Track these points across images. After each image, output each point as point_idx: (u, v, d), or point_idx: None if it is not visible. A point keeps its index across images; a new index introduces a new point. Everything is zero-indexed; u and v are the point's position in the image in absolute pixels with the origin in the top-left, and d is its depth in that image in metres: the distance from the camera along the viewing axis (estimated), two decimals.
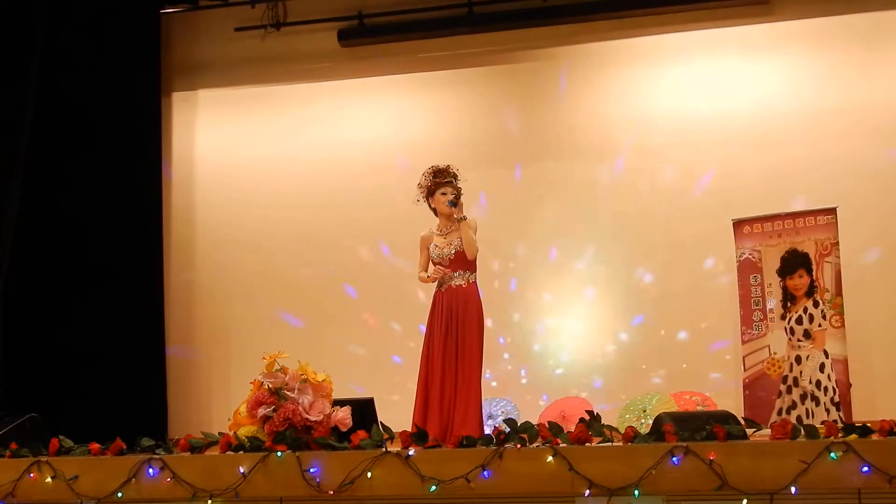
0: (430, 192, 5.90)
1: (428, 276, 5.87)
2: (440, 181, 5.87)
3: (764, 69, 7.52)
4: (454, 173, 5.93)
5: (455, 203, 5.79)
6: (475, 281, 5.83)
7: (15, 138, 7.47)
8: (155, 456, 4.71)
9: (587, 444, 4.39)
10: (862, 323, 6.90)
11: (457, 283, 5.78)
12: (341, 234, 7.92)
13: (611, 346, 7.53)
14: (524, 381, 7.60)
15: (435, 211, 5.94)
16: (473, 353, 5.65)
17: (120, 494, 4.66)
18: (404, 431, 4.68)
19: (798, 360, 6.66)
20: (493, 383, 7.47)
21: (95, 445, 4.90)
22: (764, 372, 6.76)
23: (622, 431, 4.44)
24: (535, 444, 4.40)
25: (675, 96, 7.66)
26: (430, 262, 5.91)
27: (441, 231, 5.87)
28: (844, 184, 7.15)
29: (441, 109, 8.08)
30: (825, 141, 7.31)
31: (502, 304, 7.67)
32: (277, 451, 4.56)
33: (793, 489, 4.04)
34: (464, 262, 5.79)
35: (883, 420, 4.41)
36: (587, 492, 4.19)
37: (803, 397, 6.58)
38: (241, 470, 4.55)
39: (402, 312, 7.66)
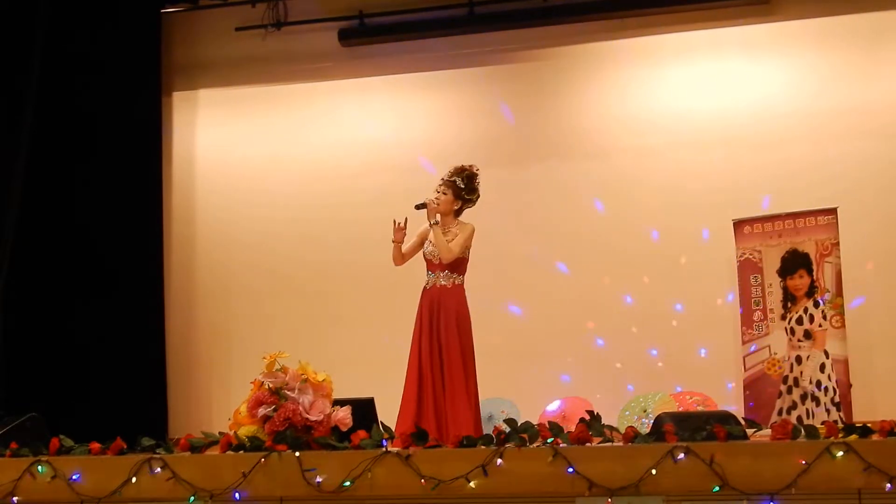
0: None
1: (398, 250, 5.87)
2: (442, 178, 5.89)
3: (764, 69, 7.53)
4: (469, 174, 5.88)
5: (419, 207, 5.80)
6: (461, 283, 5.84)
7: (15, 138, 7.48)
8: (155, 455, 4.70)
9: (587, 444, 4.39)
10: (862, 323, 6.90)
11: (441, 283, 5.80)
12: (342, 234, 7.92)
13: (610, 346, 7.52)
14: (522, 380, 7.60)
15: None
16: (453, 354, 5.64)
17: (120, 494, 4.65)
18: (404, 431, 4.68)
19: (798, 360, 6.66)
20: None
21: (96, 445, 4.89)
22: (764, 372, 6.76)
23: (622, 431, 4.44)
24: (535, 444, 4.40)
25: (675, 96, 7.67)
26: (423, 256, 5.93)
27: (441, 228, 5.86)
28: (844, 184, 7.16)
29: (441, 109, 8.08)
30: (826, 141, 7.31)
31: (501, 303, 7.68)
32: (278, 451, 4.55)
33: (793, 489, 4.04)
34: (452, 263, 5.79)
35: (883, 420, 4.40)
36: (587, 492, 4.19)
37: (804, 397, 6.59)
38: (242, 470, 4.54)
39: (402, 311, 7.64)
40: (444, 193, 5.86)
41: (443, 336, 5.70)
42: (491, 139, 7.88)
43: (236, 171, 8.28)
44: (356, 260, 7.90)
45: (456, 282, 5.82)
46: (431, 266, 5.87)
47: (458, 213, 5.94)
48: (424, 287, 5.87)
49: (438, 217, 5.85)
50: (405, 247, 5.95)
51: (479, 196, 5.96)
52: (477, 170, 5.95)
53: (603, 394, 7.23)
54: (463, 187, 5.87)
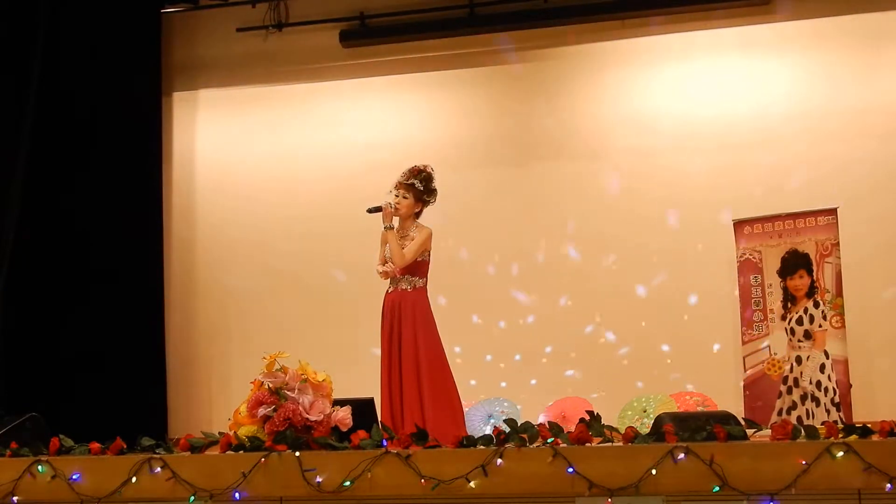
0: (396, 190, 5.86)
1: (382, 272, 5.80)
2: (400, 181, 5.80)
3: (765, 69, 7.52)
4: (425, 175, 5.80)
5: (372, 210, 5.76)
6: (423, 287, 5.76)
7: (15, 138, 7.48)
8: (155, 455, 4.70)
9: (587, 445, 4.39)
10: (862, 323, 6.90)
11: (402, 287, 5.74)
12: (342, 234, 7.91)
13: (610, 346, 7.52)
14: (532, 381, 7.60)
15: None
16: (408, 360, 5.61)
17: (120, 494, 4.66)
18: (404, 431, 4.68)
19: (798, 360, 6.66)
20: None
21: (96, 445, 4.89)
22: (764, 372, 6.76)
23: (622, 432, 4.44)
24: (535, 445, 4.40)
25: (675, 96, 7.66)
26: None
27: (399, 231, 5.81)
28: (844, 184, 7.16)
29: (441, 109, 8.09)
30: (825, 141, 7.31)
31: (501, 302, 7.69)
32: (278, 451, 4.55)
33: (793, 490, 4.04)
34: (412, 266, 5.72)
35: (883, 421, 4.40)
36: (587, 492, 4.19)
37: (804, 398, 6.58)
38: (242, 470, 4.54)
39: None
40: (405, 197, 5.76)
41: (403, 342, 5.65)
42: (491, 139, 7.88)
43: (236, 171, 8.28)
44: (356, 260, 7.87)
45: (417, 285, 5.74)
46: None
47: (417, 215, 5.85)
48: (387, 291, 5.81)
49: (395, 221, 5.77)
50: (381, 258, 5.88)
51: (437, 195, 5.85)
52: (432, 169, 5.83)
53: (602, 392, 7.23)
54: (422, 189, 5.77)
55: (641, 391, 7.11)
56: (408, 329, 5.66)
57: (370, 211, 5.78)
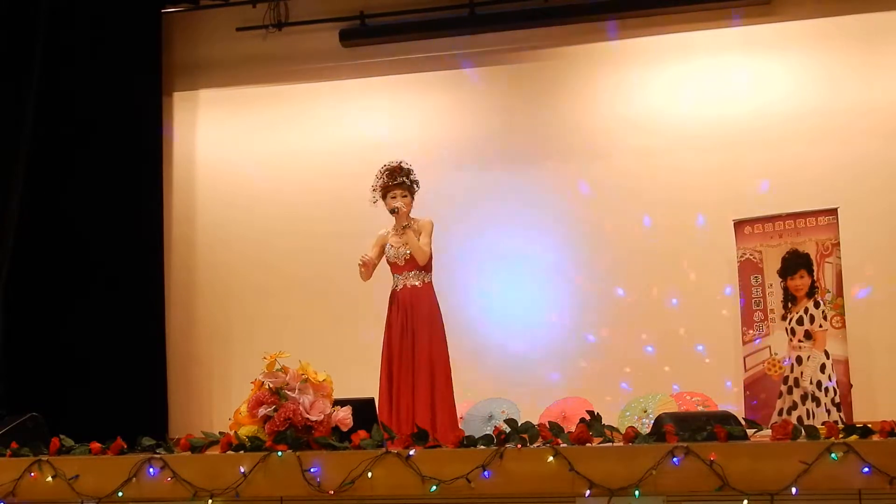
0: (384, 194, 5.93)
1: (361, 263, 5.86)
2: (391, 182, 5.88)
3: (765, 69, 7.53)
4: (408, 169, 5.93)
5: (395, 211, 5.85)
6: (430, 281, 5.89)
7: (15, 138, 7.48)
8: (155, 455, 4.70)
9: (588, 445, 4.39)
10: (863, 324, 6.90)
11: (412, 284, 5.83)
12: (342, 234, 7.91)
13: (610, 346, 7.52)
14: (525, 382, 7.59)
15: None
16: (422, 357, 5.66)
17: (120, 494, 4.65)
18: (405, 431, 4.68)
19: (799, 360, 6.65)
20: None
21: (96, 445, 4.89)
22: (764, 372, 6.76)
23: (623, 432, 4.44)
24: (535, 445, 4.40)
25: (675, 96, 7.67)
26: (386, 261, 5.98)
27: (398, 231, 5.87)
28: (845, 184, 7.16)
29: (441, 109, 8.09)
30: (826, 141, 7.31)
31: (500, 302, 7.68)
32: (278, 451, 4.55)
33: (793, 490, 4.04)
34: (418, 262, 5.82)
35: (884, 421, 4.40)
36: (587, 492, 4.19)
37: (804, 398, 6.58)
38: (242, 470, 4.54)
39: None
40: (405, 196, 5.93)
41: (418, 342, 5.72)
42: (491, 139, 7.88)
43: (236, 171, 8.28)
44: (357, 260, 7.88)
45: (426, 280, 5.86)
46: (397, 268, 5.91)
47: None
48: (394, 289, 5.88)
49: (409, 221, 5.91)
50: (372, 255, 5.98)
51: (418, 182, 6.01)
52: (402, 161, 6.01)
53: (603, 393, 7.23)
54: (410, 183, 5.94)
55: (640, 391, 7.11)
56: (423, 329, 5.73)
57: (393, 212, 5.91)
